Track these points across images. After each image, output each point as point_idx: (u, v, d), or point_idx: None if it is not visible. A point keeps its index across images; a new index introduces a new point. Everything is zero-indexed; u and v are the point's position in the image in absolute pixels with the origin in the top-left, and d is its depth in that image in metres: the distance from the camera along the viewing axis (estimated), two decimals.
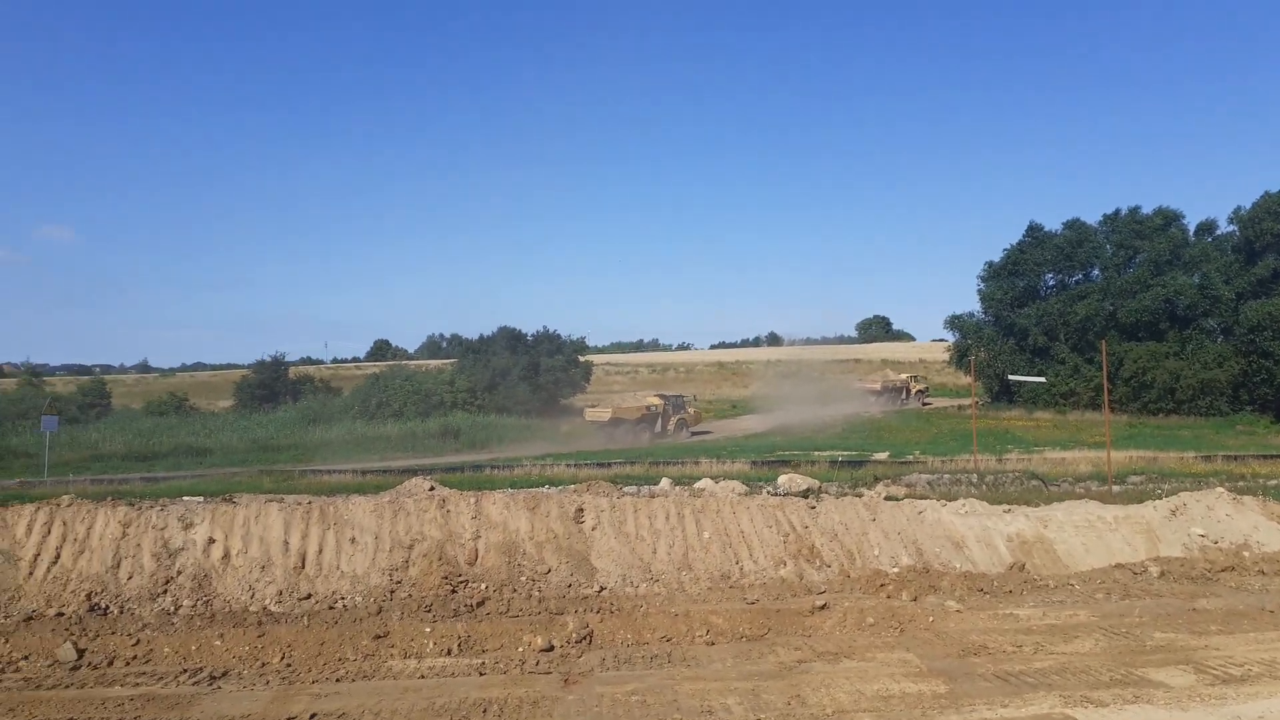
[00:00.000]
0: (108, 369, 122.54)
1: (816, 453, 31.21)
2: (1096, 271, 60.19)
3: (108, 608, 10.24)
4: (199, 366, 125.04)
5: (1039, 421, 49.24)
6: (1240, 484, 20.54)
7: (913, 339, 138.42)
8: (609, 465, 28.18)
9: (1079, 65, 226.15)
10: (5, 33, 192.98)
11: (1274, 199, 54.08)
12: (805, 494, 17.27)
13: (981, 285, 63.34)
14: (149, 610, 10.22)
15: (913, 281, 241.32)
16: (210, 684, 8.16)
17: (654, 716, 7.23)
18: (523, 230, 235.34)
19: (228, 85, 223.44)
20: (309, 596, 10.63)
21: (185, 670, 8.55)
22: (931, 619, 9.99)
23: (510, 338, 61.22)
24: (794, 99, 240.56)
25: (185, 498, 15.18)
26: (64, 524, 11.17)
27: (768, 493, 16.92)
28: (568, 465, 28.20)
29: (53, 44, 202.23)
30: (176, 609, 10.28)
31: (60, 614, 10.05)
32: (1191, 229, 59.17)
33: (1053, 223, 63.64)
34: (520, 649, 9.13)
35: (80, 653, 8.85)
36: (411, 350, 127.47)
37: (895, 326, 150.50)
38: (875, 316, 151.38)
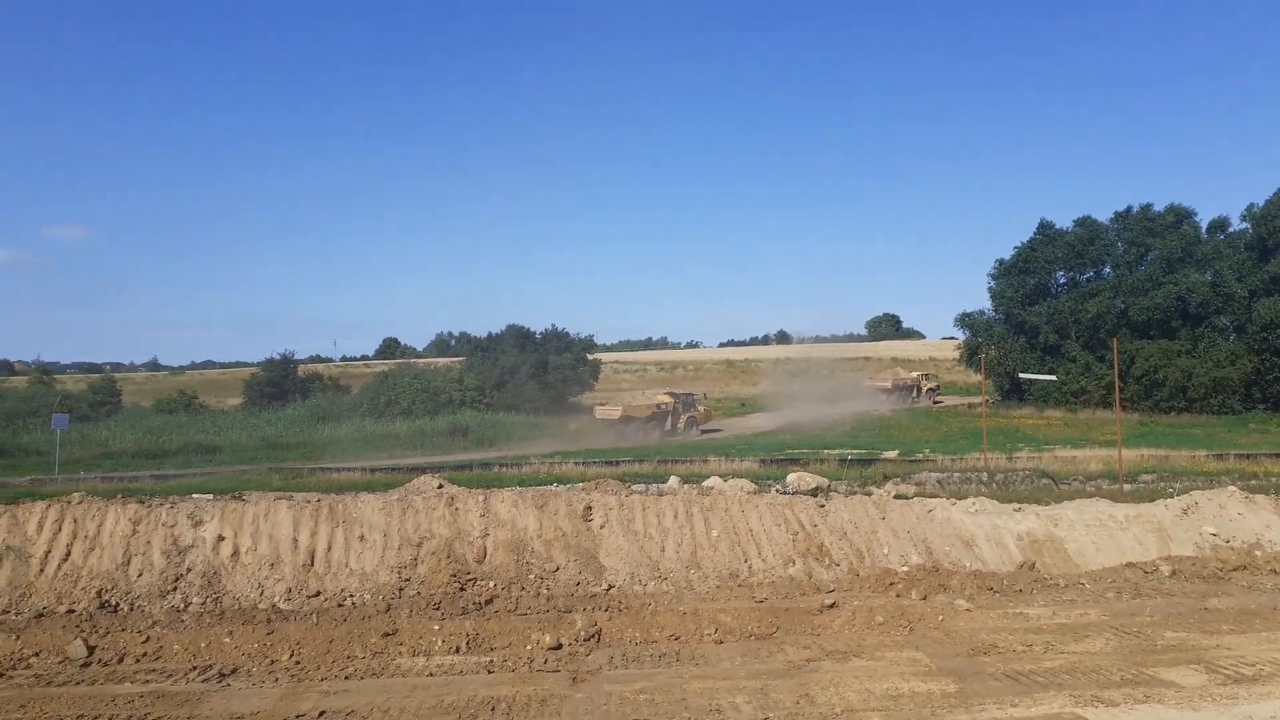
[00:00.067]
0: (118, 367, 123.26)
1: (825, 451, 31.14)
2: (1108, 269, 59.90)
3: (118, 605, 10.28)
4: (208, 365, 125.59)
5: (1049, 420, 49.07)
6: (1253, 483, 20.40)
7: (923, 337, 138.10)
8: (617, 463, 28.14)
9: (1090, 62, 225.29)
10: (14, 34, 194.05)
11: None
12: (814, 492, 17.24)
13: (992, 283, 63.13)
14: (159, 607, 10.26)
15: (923, 279, 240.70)
16: (220, 681, 8.18)
17: (662, 715, 7.22)
18: (531, 229, 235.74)
19: (235, 86, 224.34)
20: (318, 594, 10.65)
21: (195, 667, 8.57)
22: (941, 618, 9.95)
23: (519, 336, 61.29)
24: (803, 98, 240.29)
25: (195, 495, 15.23)
26: (75, 521, 11.22)
27: (776, 491, 16.89)
28: (576, 463, 28.18)
29: (61, 46, 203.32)
30: (186, 606, 10.31)
31: (71, 611, 10.10)
32: (1204, 226, 58.88)
33: (1064, 220, 63.52)
34: (529, 647, 9.13)
35: (91, 650, 8.89)
36: (420, 348, 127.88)
37: (905, 324, 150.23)
38: (885, 314, 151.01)
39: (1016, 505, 14.00)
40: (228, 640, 9.12)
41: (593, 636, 9.32)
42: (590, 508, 12.13)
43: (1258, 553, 12.85)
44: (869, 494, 16.28)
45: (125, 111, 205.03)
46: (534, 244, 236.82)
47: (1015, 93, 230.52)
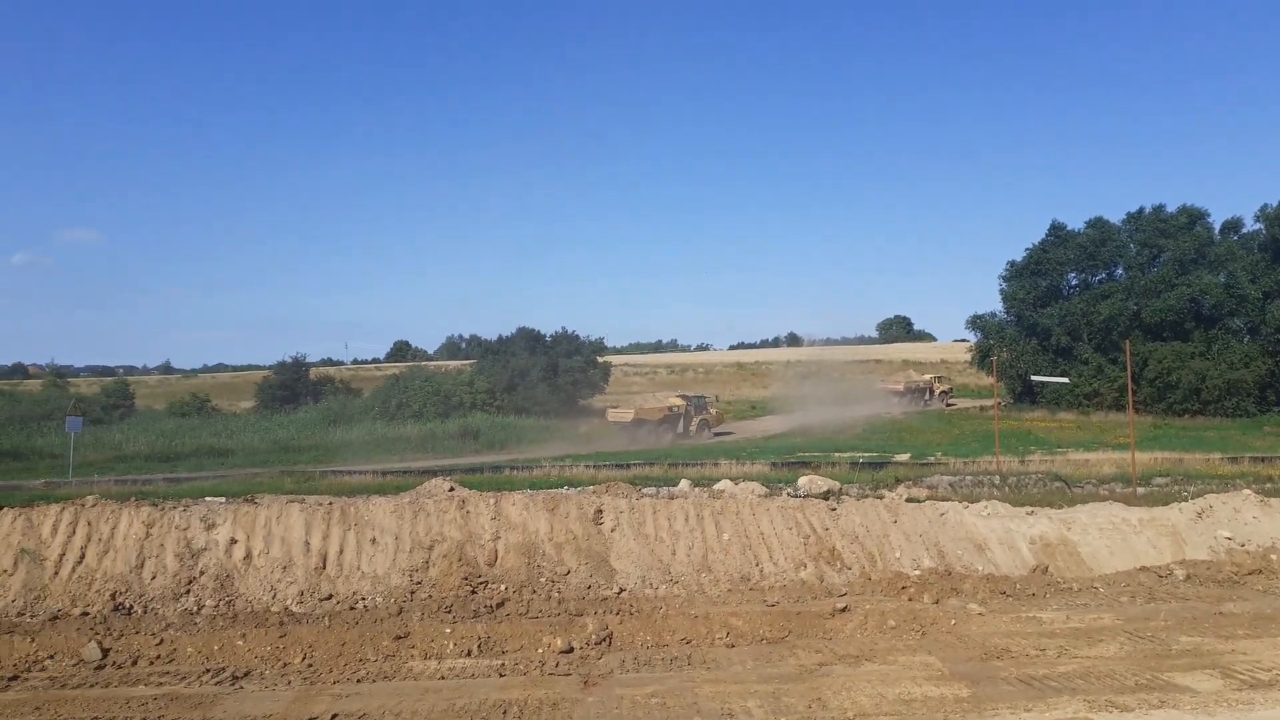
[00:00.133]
0: (131, 370, 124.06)
1: (837, 454, 31.07)
2: (1120, 271, 59.62)
3: (132, 607, 10.33)
4: (221, 368, 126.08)
5: (1062, 422, 48.84)
6: (1267, 486, 20.26)
7: (934, 339, 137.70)
8: (628, 466, 28.16)
9: (1102, 62, 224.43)
10: (30, 38, 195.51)
11: None
12: (825, 495, 17.20)
13: (1004, 285, 62.91)
14: (172, 610, 10.30)
15: (934, 281, 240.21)
16: (233, 684, 8.21)
17: (674, 719, 7.21)
18: (541, 231, 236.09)
19: (246, 89, 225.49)
20: (330, 597, 10.68)
21: (208, 670, 8.60)
22: (953, 622, 9.91)
23: (529, 338, 61.38)
24: (814, 99, 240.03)
25: (207, 498, 15.31)
26: (89, 524, 11.28)
27: (788, 494, 16.86)
28: (587, 466, 28.20)
29: (72, 50, 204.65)
30: (199, 609, 10.36)
31: (85, 613, 10.15)
32: (1217, 227, 58.53)
33: (1075, 222, 63.08)
34: (540, 650, 9.13)
35: (105, 652, 8.93)
36: (431, 351, 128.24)
37: (916, 327, 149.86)
38: (896, 316, 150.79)
39: (1029, 508, 13.94)
40: (240, 643, 9.16)
41: (604, 640, 9.31)
42: (601, 511, 12.13)
43: (1273, 556, 12.75)
44: (881, 497, 16.24)
45: (137, 115, 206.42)
46: (544, 246, 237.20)
47: (1026, 93, 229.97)
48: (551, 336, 62.04)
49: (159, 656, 8.97)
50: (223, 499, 14.74)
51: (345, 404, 55.97)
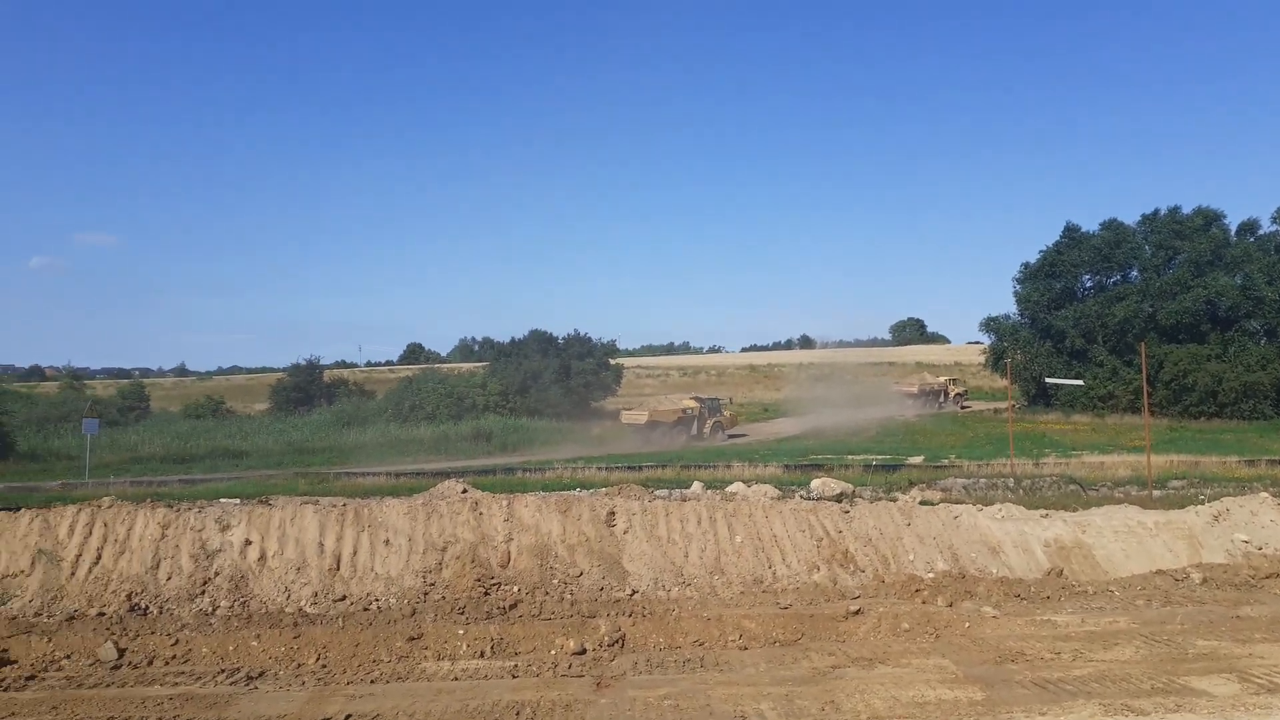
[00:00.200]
0: (146, 372, 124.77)
1: (850, 456, 30.96)
2: (1135, 273, 59.20)
3: (147, 608, 10.39)
4: (235, 370, 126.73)
5: (1076, 425, 48.53)
6: None
7: (947, 341, 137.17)
8: (640, 468, 28.15)
9: (1117, 63, 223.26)
10: (47, 43, 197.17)
11: None
12: (839, 498, 17.15)
13: (1017, 287, 62.53)
14: (187, 611, 10.36)
15: (947, 283, 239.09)
16: (247, 684, 8.25)
17: None
18: (553, 234, 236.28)
19: (262, 92, 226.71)
20: (344, 598, 10.72)
21: (223, 670, 8.65)
22: (967, 625, 9.87)
23: (541, 341, 61.47)
24: (826, 101, 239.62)
25: (222, 500, 15.39)
26: (105, 525, 11.36)
27: (800, 497, 16.82)
28: (599, 468, 28.20)
29: (88, 54, 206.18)
30: (214, 609, 10.41)
31: (101, 614, 10.22)
32: (1233, 229, 58.06)
33: (1090, 223, 62.90)
34: (553, 652, 9.15)
35: (121, 652, 9.00)
36: (444, 353, 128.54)
37: (930, 329, 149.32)
38: (909, 319, 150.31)
39: (1043, 511, 13.88)
40: (255, 643, 9.21)
41: (617, 642, 9.32)
42: (614, 513, 12.14)
43: None
44: (894, 500, 16.19)
45: (152, 119, 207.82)
46: (556, 249, 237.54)
47: (1040, 94, 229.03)
48: (564, 339, 62.12)
49: (174, 657, 9.03)
50: (237, 500, 14.82)
51: (359, 406, 56.15)
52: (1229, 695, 7.65)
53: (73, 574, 10.81)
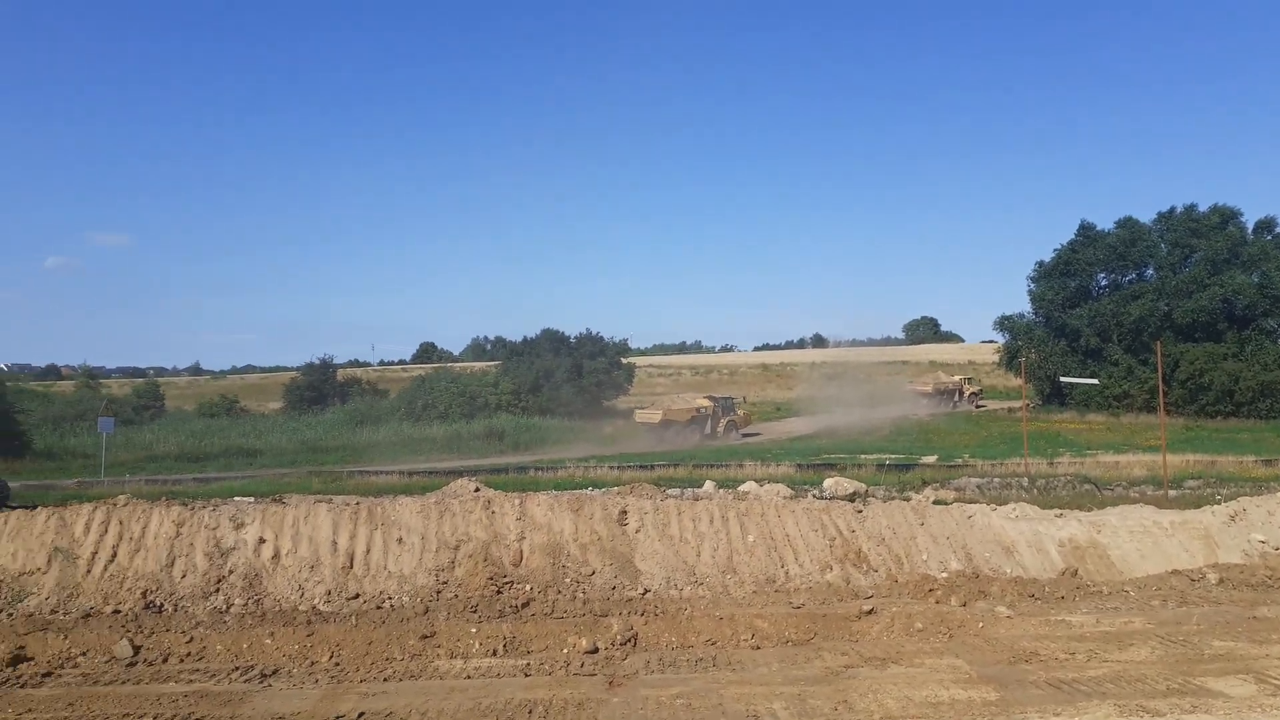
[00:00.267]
0: (161, 371, 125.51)
1: (863, 456, 30.90)
2: (1151, 271, 58.83)
3: (162, 605, 10.45)
4: (249, 369, 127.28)
5: (1091, 424, 48.30)
6: None
7: (961, 340, 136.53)
8: (652, 467, 28.17)
9: (1132, 61, 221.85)
10: (59, 46, 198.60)
11: None
12: (852, 498, 17.11)
13: (1032, 285, 62.25)
14: (202, 608, 10.41)
15: (961, 282, 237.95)
16: (261, 682, 8.28)
17: None
18: (565, 233, 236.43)
19: (277, 91, 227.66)
20: (357, 596, 10.75)
21: (237, 668, 8.69)
22: (981, 625, 9.83)
23: (553, 340, 61.57)
24: (839, 99, 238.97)
25: (236, 498, 15.47)
26: (120, 523, 11.43)
27: (813, 496, 16.79)
28: (611, 467, 28.24)
29: (104, 55, 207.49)
30: (228, 607, 10.46)
31: (117, 611, 10.28)
32: (1250, 226, 57.65)
33: (1105, 221, 62.38)
34: (565, 650, 9.15)
35: (136, 649, 9.05)
36: (456, 352, 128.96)
37: (943, 328, 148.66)
38: (923, 317, 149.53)
39: (1058, 511, 13.81)
40: (269, 641, 9.25)
41: (629, 641, 9.32)
42: (626, 512, 12.13)
43: None
44: (907, 499, 16.15)
45: (167, 120, 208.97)
46: (566, 249, 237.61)
47: (1055, 92, 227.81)
48: (576, 338, 62.20)
49: (189, 654, 9.08)
50: (251, 499, 14.89)
51: (372, 405, 56.36)
52: (1245, 696, 7.58)
53: (88, 571, 10.88)
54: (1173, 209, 59.23)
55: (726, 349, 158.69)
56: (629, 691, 7.90)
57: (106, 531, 11.32)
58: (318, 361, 67.36)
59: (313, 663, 8.85)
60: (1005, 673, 8.30)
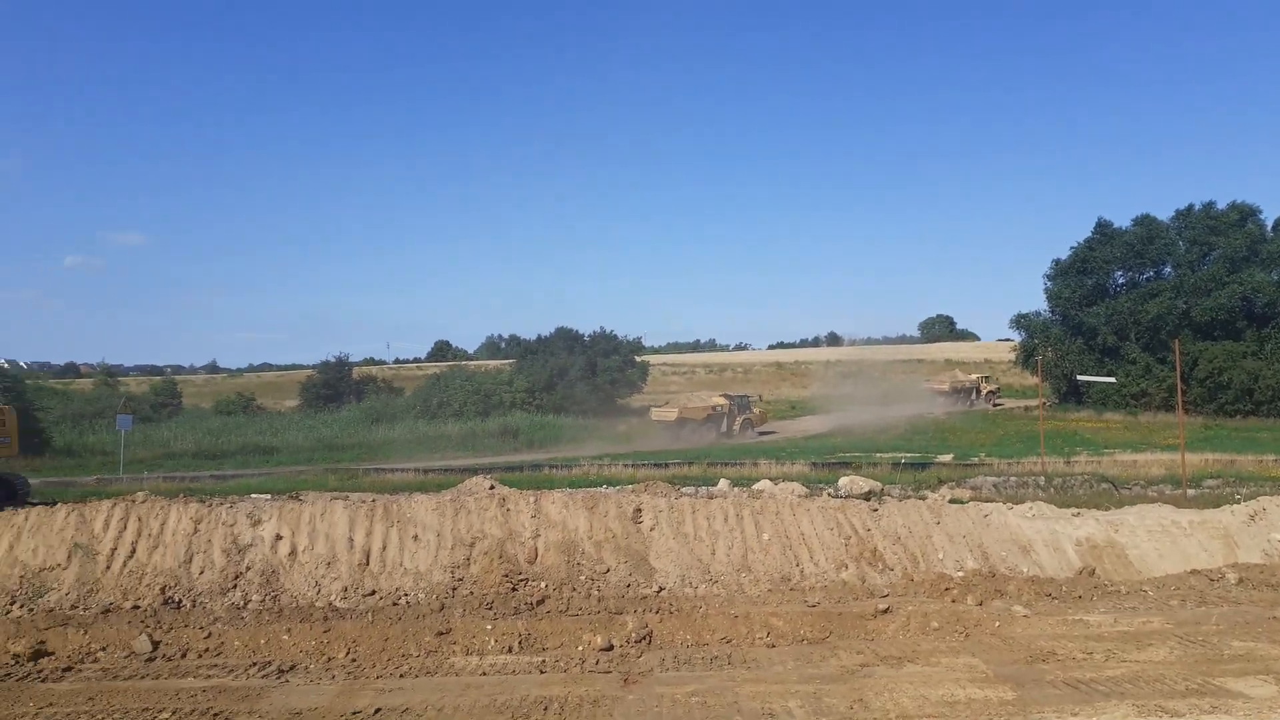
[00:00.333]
0: (179, 369, 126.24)
1: (878, 454, 30.79)
2: (1169, 269, 58.38)
3: (180, 601, 10.53)
4: (266, 367, 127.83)
5: (1109, 423, 47.99)
6: None
7: (977, 338, 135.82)
8: (666, 466, 28.17)
9: (1150, 58, 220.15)
10: (80, 45, 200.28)
11: None
12: (867, 496, 17.08)
13: (1049, 283, 61.88)
14: (220, 604, 10.48)
15: (977, 280, 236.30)
16: (279, 677, 8.34)
17: (714, 718, 7.20)
18: (580, 231, 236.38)
19: (292, 91, 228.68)
20: (373, 593, 10.80)
21: (254, 663, 8.75)
22: (998, 624, 9.78)
23: (568, 338, 61.68)
24: (856, 97, 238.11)
25: (253, 495, 15.58)
26: (139, 520, 11.52)
27: (828, 495, 16.76)
28: (625, 465, 28.24)
29: (123, 55, 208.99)
30: (246, 603, 10.53)
31: (136, 607, 10.36)
32: (1269, 224, 57.12)
33: (1122, 219, 61.93)
34: (580, 648, 9.17)
35: (155, 645, 9.13)
36: (471, 351, 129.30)
37: (959, 326, 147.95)
38: (938, 316, 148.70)
39: (1075, 510, 13.73)
40: (286, 637, 9.30)
41: (644, 638, 9.32)
42: (640, 510, 12.14)
43: None
44: (923, 498, 16.09)
45: (185, 119, 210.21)
46: (582, 247, 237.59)
47: (1071, 89, 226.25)
48: (590, 336, 62.29)
49: (207, 650, 9.15)
50: (268, 496, 15.00)
51: (387, 403, 56.64)
52: (1265, 697, 7.52)
53: (108, 567, 10.98)
54: (1191, 206, 58.84)
55: (741, 347, 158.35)
56: (644, 689, 7.90)
57: (125, 528, 11.42)
58: (333, 360, 67.81)
59: (329, 659, 8.91)
60: (1022, 672, 8.27)
